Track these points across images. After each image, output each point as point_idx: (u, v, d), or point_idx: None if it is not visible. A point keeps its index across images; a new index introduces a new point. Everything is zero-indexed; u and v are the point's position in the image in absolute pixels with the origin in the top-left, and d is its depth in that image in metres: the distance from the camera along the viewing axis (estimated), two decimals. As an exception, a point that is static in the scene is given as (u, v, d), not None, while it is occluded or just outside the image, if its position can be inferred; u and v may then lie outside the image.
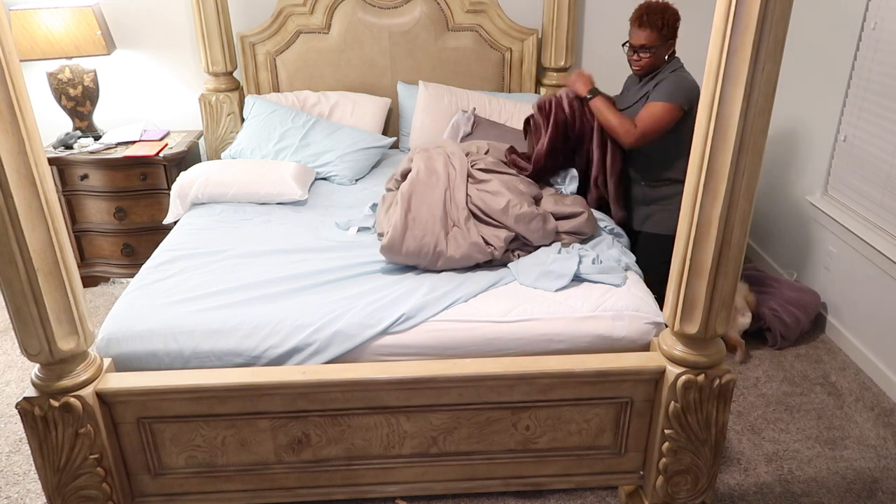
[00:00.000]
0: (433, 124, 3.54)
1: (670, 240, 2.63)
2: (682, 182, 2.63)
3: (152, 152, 3.42)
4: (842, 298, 3.16)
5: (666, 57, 2.68)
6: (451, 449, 2.09)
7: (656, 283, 2.33)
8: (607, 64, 3.37)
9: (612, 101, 2.77)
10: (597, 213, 2.74)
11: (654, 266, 2.46)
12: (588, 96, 2.73)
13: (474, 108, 3.48)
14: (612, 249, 2.45)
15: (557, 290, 2.20)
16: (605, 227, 2.68)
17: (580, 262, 2.29)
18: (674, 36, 2.65)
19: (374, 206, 2.83)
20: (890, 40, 2.80)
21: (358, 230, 2.67)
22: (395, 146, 3.70)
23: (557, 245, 2.45)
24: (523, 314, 2.13)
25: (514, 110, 3.55)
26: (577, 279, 2.27)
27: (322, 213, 2.90)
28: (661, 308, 2.17)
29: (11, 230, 1.59)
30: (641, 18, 2.60)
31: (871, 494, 2.35)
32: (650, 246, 2.72)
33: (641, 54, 2.65)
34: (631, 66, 2.73)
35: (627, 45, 2.69)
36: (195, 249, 2.52)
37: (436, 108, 3.55)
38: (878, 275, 2.87)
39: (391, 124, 3.77)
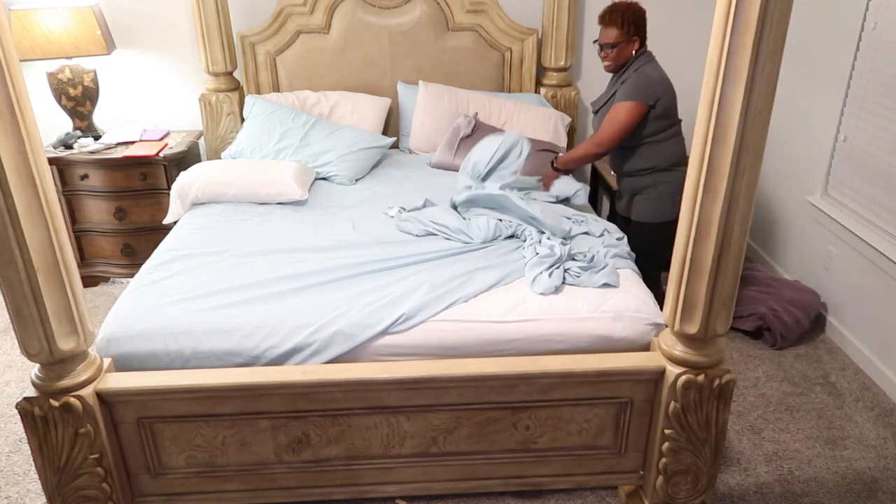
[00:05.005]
0: (433, 124, 3.54)
1: (655, 227, 2.82)
2: (662, 170, 2.80)
3: (152, 152, 3.42)
4: (842, 298, 3.16)
5: (633, 53, 2.74)
6: (451, 449, 2.09)
7: (646, 268, 2.53)
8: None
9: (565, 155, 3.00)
10: (591, 216, 2.78)
11: (642, 251, 2.59)
12: (558, 168, 2.95)
13: (476, 114, 3.49)
14: (598, 248, 2.46)
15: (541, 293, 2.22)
16: (582, 223, 2.71)
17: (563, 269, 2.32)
18: (638, 33, 2.71)
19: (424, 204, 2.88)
20: (890, 40, 2.80)
21: (399, 210, 2.79)
22: (395, 146, 3.70)
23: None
24: (523, 314, 2.13)
25: (514, 110, 3.55)
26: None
27: (322, 213, 2.90)
28: (648, 285, 2.33)
29: (11, 230, 1.59)
30: (605, 17, 2.73)
31: (871, 494, 2.35)
32: (638, 233, 2.82)
33: (607, 52, 2.75)
34: (602, 63, 2.84)
35: (597, 43, 2.80)
36: (195, 249, 2.52)
37: (436, 108, 3.55)
38: (878, 275, 2.87)
39: (391, 124, 3.77)
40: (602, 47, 2.77)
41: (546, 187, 2.97)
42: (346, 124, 3.51)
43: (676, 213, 2.83)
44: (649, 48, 2.79)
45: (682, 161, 2.76)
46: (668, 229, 2.83)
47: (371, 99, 3.65)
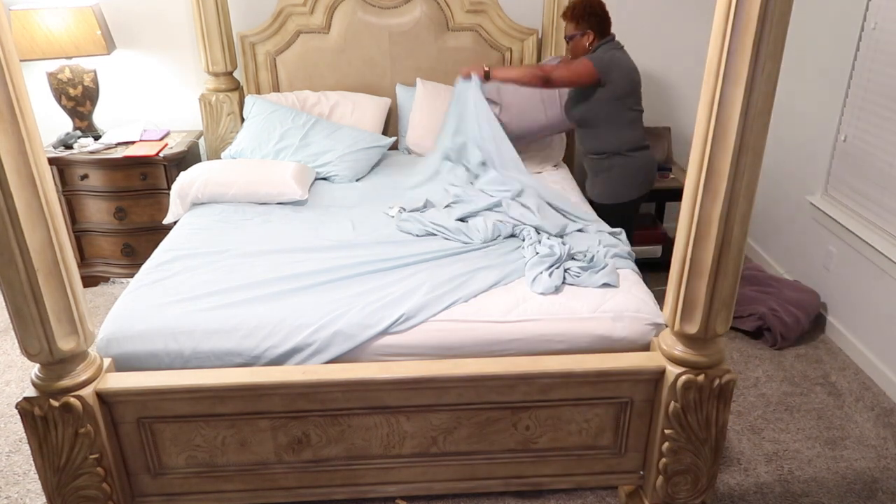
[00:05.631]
0: (431, 121, 3.54)
1: (610, 208, 2.96)
2: (617, 155, 2.95)
3: (152, 152, 3.42)
4: (842, 298, 3.16)
5: (588, 45, 2.94)
6: (451, 449, 2.09)
7: None
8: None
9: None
10: (591, 216, 2.79)
11: None
12: (486, 70, 3.01)
13: None
14: (598, 247, 2.46)
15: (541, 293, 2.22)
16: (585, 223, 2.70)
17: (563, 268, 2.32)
18: (591, 27, 2.91)
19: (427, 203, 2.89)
20: (890, 40, 2.80)
21: (399, 210, 2.81)
22: (394, 146, 3.70)
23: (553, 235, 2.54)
24: (523, 314, 2.13)
25: (514, 110, 3.55)
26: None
27: (322, 213, 2.90)
28: None
29: (11, 230, 1.59)
30: (563, 12, 3.02)
31: (871, 494, 2.35)
32: (598, 212, 2.90)
33: (567, 44, 3.05)
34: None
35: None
36: (195, 249, 2.52)
37: (433, 106, 3.55)
38: (878, 275, 2.87)
39: (391, 124, 3.77)
40: (565, 39, 3.03)
41: (463, 75, 3.06)
42: (346, 124, 3.51)
43: (630, 195, 3.03)
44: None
45: (638, 147, 2.95)
46: (622, 210, 3.01)
47: (371, 99, 3.65)
